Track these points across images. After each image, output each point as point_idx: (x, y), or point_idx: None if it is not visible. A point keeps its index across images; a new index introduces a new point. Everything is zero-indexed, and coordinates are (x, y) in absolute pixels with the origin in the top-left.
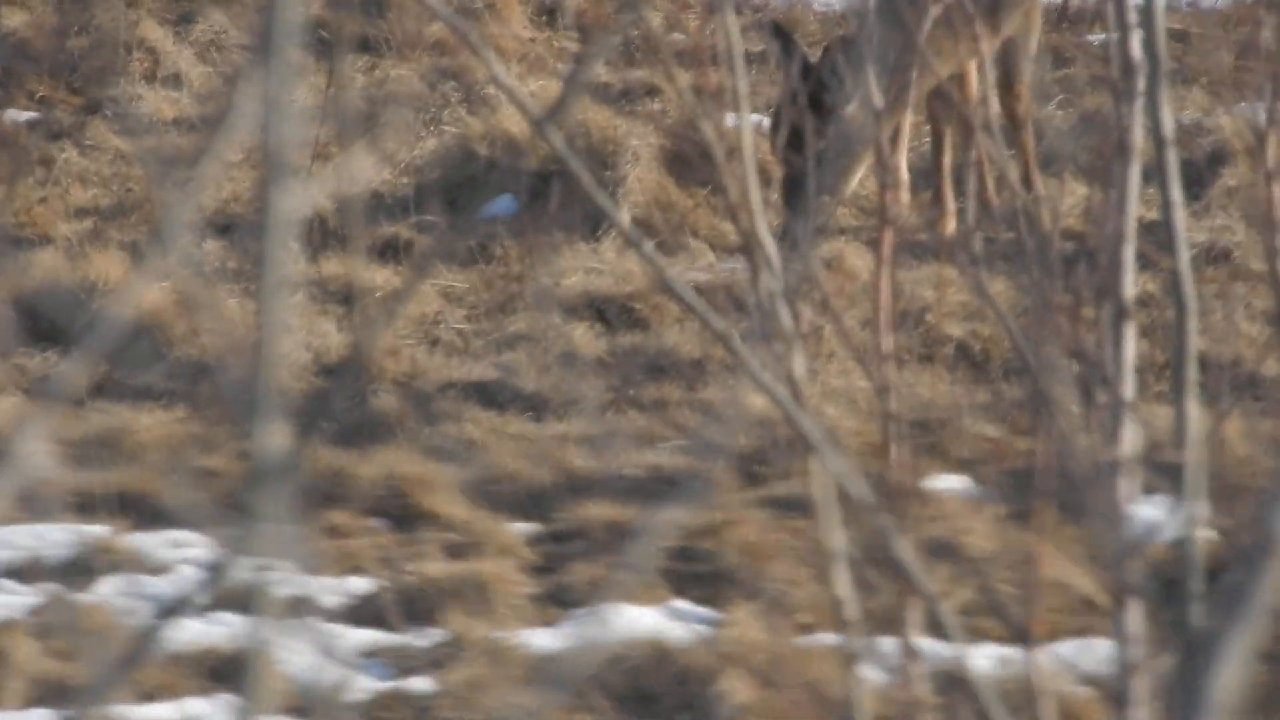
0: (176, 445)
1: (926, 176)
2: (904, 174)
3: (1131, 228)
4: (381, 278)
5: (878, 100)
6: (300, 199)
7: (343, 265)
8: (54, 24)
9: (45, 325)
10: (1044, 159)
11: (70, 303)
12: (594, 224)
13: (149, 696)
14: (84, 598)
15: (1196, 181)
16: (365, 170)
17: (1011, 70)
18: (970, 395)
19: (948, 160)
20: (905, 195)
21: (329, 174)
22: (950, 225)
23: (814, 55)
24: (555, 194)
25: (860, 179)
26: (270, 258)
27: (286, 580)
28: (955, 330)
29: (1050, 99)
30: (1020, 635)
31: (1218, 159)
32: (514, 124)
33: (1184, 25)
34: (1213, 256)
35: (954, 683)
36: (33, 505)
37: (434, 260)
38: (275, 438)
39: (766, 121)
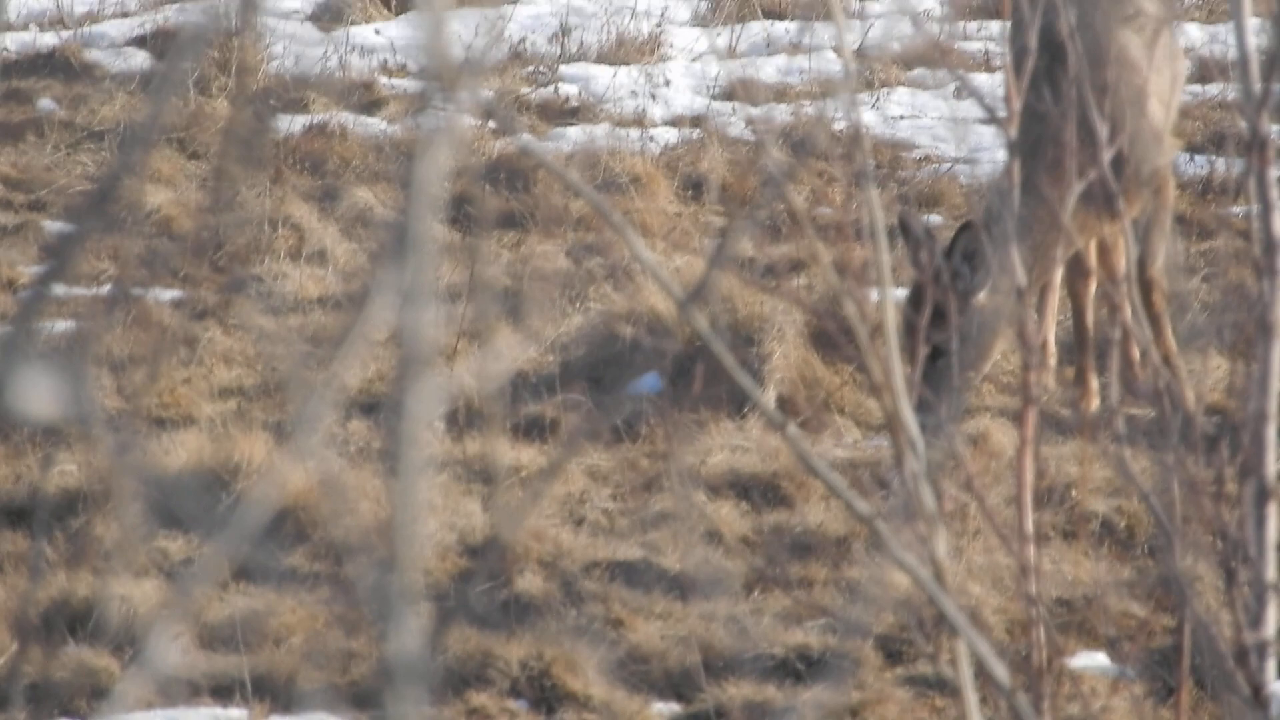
0: (318, 628)
1: (1072, 350)
2: (1051, 349)
3: (1274, 406)
4: (526, 456)
5: (1021, 277)
6: (437, 384)
7: (487, 444)
8: (198, 202)
9: (188, 507)
10: (1187, 333)
11: (214, 484)
12: (740, 401)
13: None
14: None
15: None
16: (510, 348)
17: (1144, 252)
18: (1114, 572)
19: (1090, 337)
20: (1051, 371)
21: (473, 352)
22: (1093, 402)
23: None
24: (699, 373)
25: (1005, 354)
26: (407, 445)
27: None
28: (1099, 506)
29: (1194, 272)
30: None
31: None
32: (659, 300)
33: None
34: None
35: None
36: (170, 691)
37: (579, 439)
38: (411, 624)
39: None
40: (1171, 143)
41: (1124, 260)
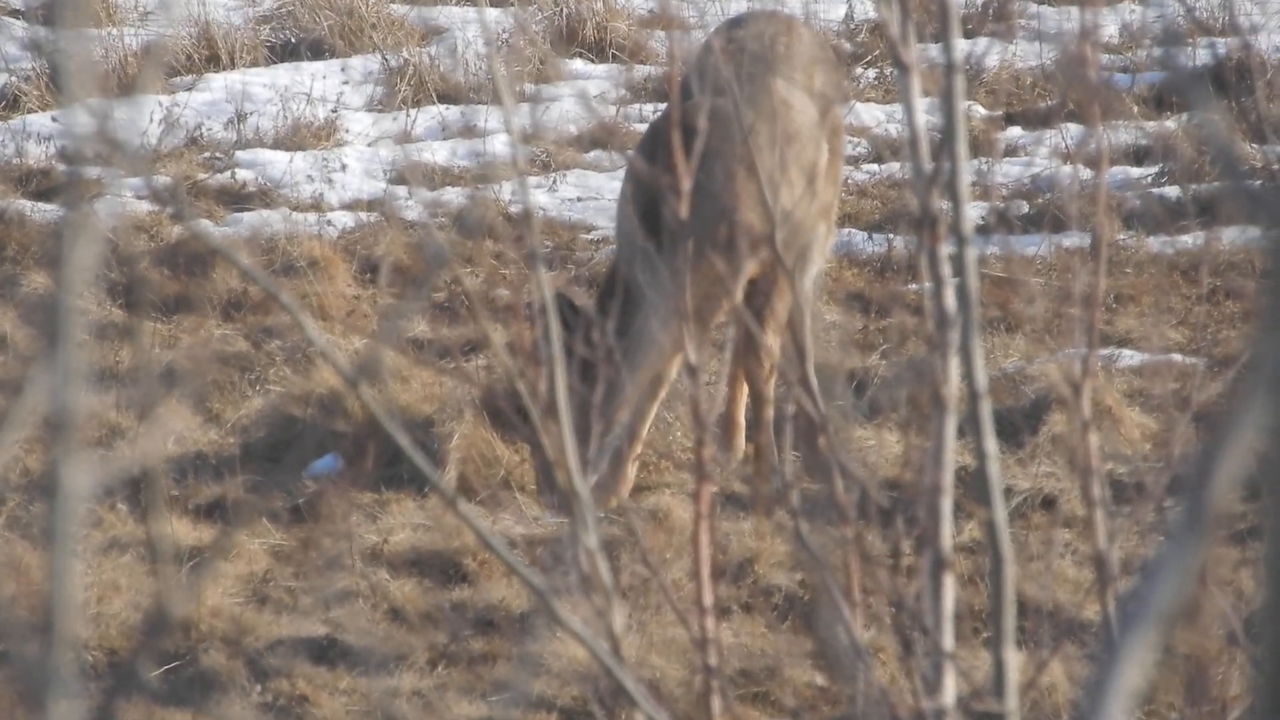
0: (3, 704)
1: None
2: (739, 424)
3: (949, 480)
4: (207, 536)
5: (692, 354)
6: (92, 463)
7: (171, 525)
8: None
9: None
10: (868, 409)
11: None
12: (422, 480)
13: None
14: None
15: (1021, 428)
16: (187, 428)
17: (760, 320)
18: (797, 644)
19: (769, 414)
20: (739, 448)
21: (149, 434)
22: (769, 478)
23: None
24: (371, 452)
25: (684, 432)
26: (61, 521)
27: None
28: (781, 580)
29: (873, 349)
30: None
31: (1041, 405)
32: (337, 382)
33: (1008, 271)
34: (1038, 503)
35: None
36: None
37: (251, 518)
38: (68, 702)
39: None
40: (818, 222)
41: (773, 342)
